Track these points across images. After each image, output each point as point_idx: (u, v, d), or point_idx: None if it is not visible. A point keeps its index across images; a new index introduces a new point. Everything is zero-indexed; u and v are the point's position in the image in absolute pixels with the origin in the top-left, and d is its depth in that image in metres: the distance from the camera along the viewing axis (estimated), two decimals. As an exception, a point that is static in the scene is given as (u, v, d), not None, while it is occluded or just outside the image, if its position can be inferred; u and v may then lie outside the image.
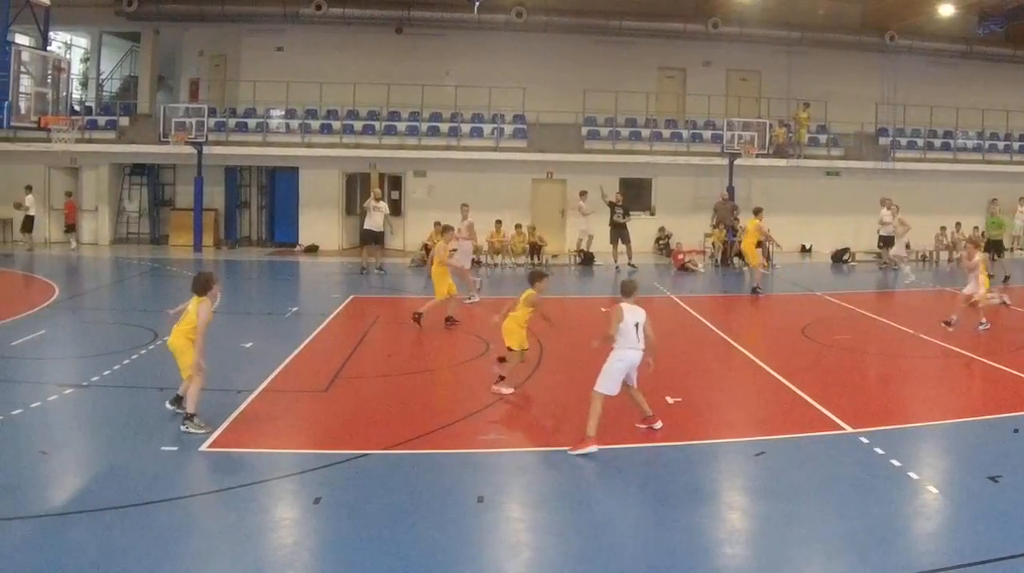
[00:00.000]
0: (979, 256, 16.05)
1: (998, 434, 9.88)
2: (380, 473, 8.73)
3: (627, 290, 9.48)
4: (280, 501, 8.20)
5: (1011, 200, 29.03)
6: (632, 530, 7.55)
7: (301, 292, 22.60)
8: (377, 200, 24.17)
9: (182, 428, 9.60)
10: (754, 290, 20.80)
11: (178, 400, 10.08)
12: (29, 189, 26.93)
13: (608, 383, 9.08)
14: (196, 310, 9.67)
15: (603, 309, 13.60)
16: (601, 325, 9.91)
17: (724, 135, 27.79)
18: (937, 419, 10.71)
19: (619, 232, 25.38)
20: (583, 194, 26.25)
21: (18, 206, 26.59)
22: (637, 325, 9.12)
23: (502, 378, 11.48)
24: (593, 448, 8.89)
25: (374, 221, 23.77)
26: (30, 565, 6.61)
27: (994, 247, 23.41)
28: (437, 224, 21.79)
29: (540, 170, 28.71)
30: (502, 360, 11.83)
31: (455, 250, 19.05)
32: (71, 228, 28.12)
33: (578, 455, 8.87)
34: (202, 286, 9.75)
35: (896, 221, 24.27)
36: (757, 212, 21.45)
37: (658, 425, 9.66)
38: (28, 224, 26.92)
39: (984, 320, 15.80)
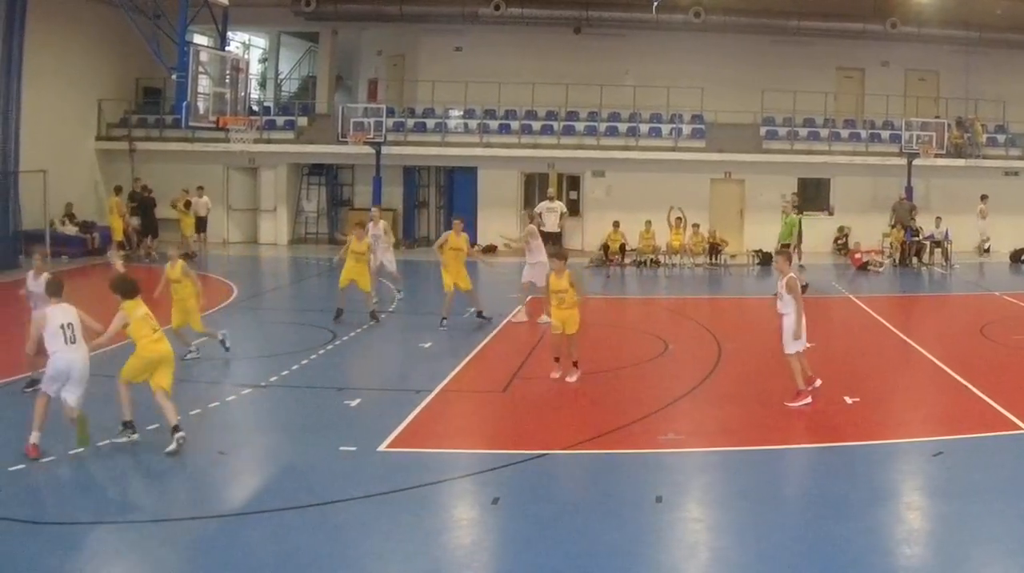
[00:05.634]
0: None
1: None
2: (559, 473, 9.10)
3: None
4: (458, 501, 8.53)
5: None
6: (810, 530, 7.71)
7: (479, 292, 23.81)
8: (551, 200, 25.94)
9: None
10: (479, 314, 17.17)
11: None
12: (201, 190, 27.98)
13: None
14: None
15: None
16: None
17: (902, 135, 28.76)
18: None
19: (792, 231, 27.05)
20: (984, 198, 28.33)
21: (187, 205, 27.54)
22: None
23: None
24: None
25: (549, 222, 25.43)
26: (209, 564, 7.02)
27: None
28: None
29: (718, 170, 29.96)
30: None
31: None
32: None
33: None
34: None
35: None
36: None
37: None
38: (201, 225, 28.07)
39: None
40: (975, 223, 28.77)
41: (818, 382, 11.61)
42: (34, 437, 9.12)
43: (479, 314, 16.73)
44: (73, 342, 9.29)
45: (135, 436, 9.64)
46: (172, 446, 9.32)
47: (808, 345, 11.62)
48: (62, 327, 9.25)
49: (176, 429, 9.41)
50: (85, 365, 9.37)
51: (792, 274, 11.45)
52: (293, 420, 10.94)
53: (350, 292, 16.70)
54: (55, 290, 9.67)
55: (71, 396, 9.21)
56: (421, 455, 9.65)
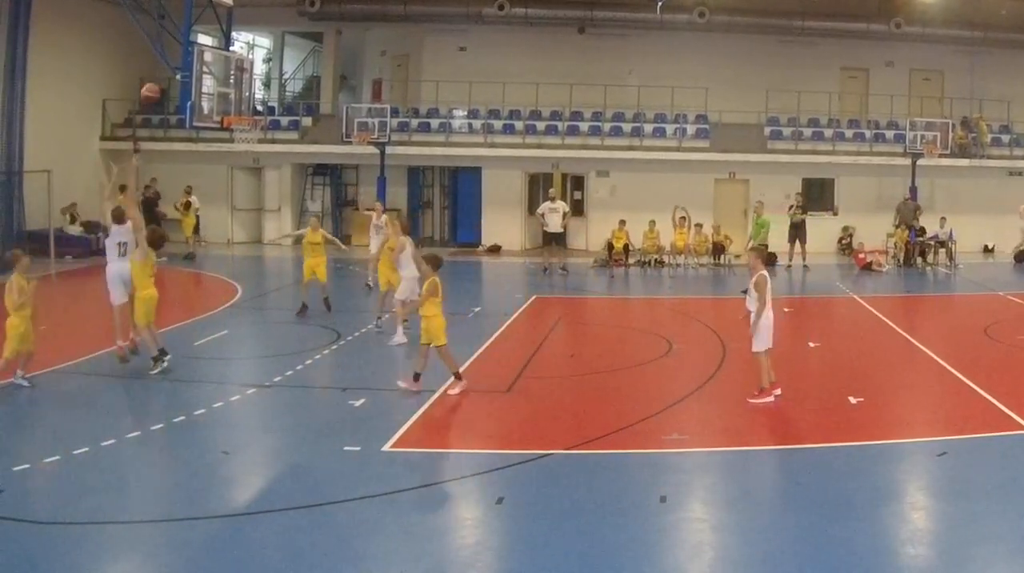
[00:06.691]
0: None
1: None
2: (563, 473, 9.09)
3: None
4: (462, 501, 8.58)
5: None
6: (815, 530, 7.71)
7: (483, 292, 23.68)
8: (553, 201, 25.90)
9: None
10: None
11: None
12: (190, 190, 27.74)
13: None
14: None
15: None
16: None
17: (907, 135, 28.77)
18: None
19: (796, 231, 26.91)
20: None
21: (187, 206, 27.47)
22: None
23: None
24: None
25: (552, 222, 25.39)
26: (213, 564, 7.02)
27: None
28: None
29: (722, 170, 29.94)
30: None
31: None
32: None
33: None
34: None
35: None
36: None
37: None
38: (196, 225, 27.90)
39: None
40: (1016, 223, 28.31)
41: (778, 391, 11.64)
42: (119, 341, 12.68)
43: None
44: (123, 256, 12.72)
45: (168, 358, 12.58)
46: (155, 370, 12.44)
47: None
48: (118, 244, 12.73)
49: (163, 352, 12.64)
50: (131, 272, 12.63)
51: (763, 272, 11.55)
52: (297, 420, 10.94)
53: (313, 286, 17.58)
54: (118, 217, 12.76)
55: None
56: (425, 455, 9.71)
